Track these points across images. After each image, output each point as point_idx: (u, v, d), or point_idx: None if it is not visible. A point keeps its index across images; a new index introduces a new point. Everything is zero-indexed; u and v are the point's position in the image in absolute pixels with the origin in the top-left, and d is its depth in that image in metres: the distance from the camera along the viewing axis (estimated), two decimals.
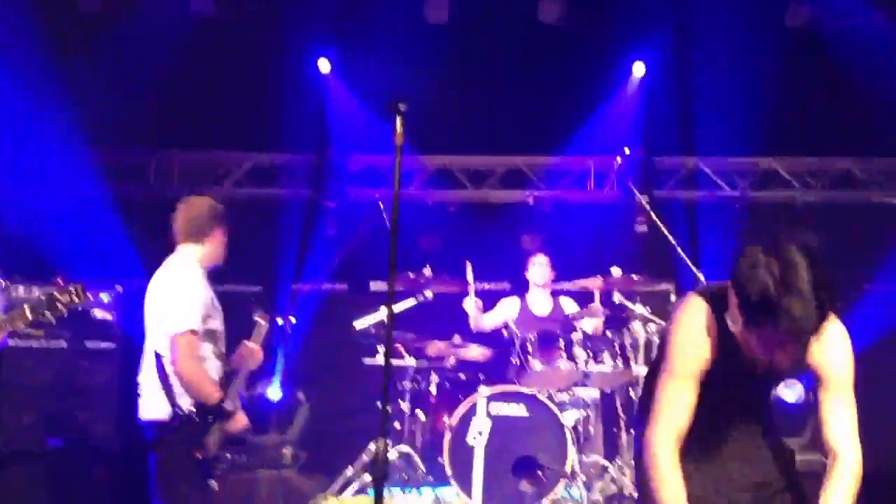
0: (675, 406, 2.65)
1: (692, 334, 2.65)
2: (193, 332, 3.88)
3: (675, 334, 2.71)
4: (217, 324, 4.09)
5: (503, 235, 7.76)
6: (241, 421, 4.06)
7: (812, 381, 2.76)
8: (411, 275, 6.01)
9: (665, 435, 2.63)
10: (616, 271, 6.02)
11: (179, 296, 3.94)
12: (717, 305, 2.63)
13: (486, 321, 6.48)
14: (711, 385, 2.66)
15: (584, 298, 6.56)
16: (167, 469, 3.93)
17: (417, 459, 6.00)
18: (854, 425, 2.69)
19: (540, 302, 6.60)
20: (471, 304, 6.35)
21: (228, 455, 4.10)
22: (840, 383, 2.68)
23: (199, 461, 3.90)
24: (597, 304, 6.20)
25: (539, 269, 6.59)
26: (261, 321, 4.33)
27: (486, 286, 7.82)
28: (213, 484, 3.95)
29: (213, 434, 3.91)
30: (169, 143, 7.76)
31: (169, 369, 3.88)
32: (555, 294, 6.65)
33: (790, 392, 6.11)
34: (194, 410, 3.88)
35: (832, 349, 2.67)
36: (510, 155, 7.90)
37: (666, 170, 7.81)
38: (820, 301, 2.36)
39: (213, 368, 4.03)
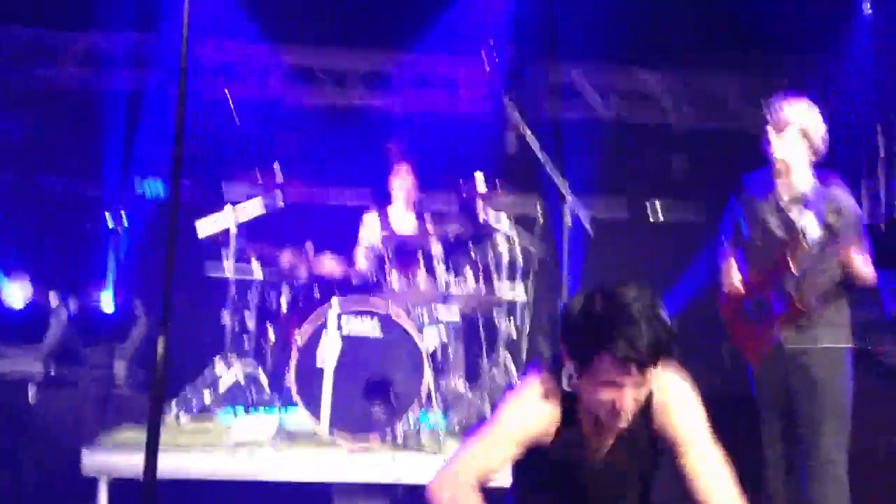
0: (480, 453, 2.50)
1: (527, 400, 2.54)
2: None
3: (509, 399, 2.58)
4: None
5: (365, 142, 7.30)
6: None
7: None
8: (259, 175, 5.51)
9: (464, 468, 2.48)
10: (480, 177, 5.67)
11: None
12: (565, 394, 2.52)
13: (360, 262, 6.04)
14: (552, 466, 2.50)
15: (446, 213, 6.24)
16: None
17: (263, 379, 5.63)
18: (726, 475, 2.47)
19: (402, 217, 6.21)
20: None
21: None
22: (696, 443, 2.49)
23: None
24: (457, 221, 5.87)
25: (401, 180, 6.19)
26: None
27: (348, 203, 7.44)
28: None
29: None
30: None
31: None
32: (417, 208, 6.28)
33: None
34: None
35: (677, 411, 2.51)
36: (375, 52, 7.36)
37: (534, 80, 7.45)
38: (653, 330, 2.27)
39: None
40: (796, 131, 3.96)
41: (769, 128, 4.01)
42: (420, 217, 6.18)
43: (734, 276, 4.19)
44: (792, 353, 3.95)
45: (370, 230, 6.11)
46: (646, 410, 2.50)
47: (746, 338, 4.12)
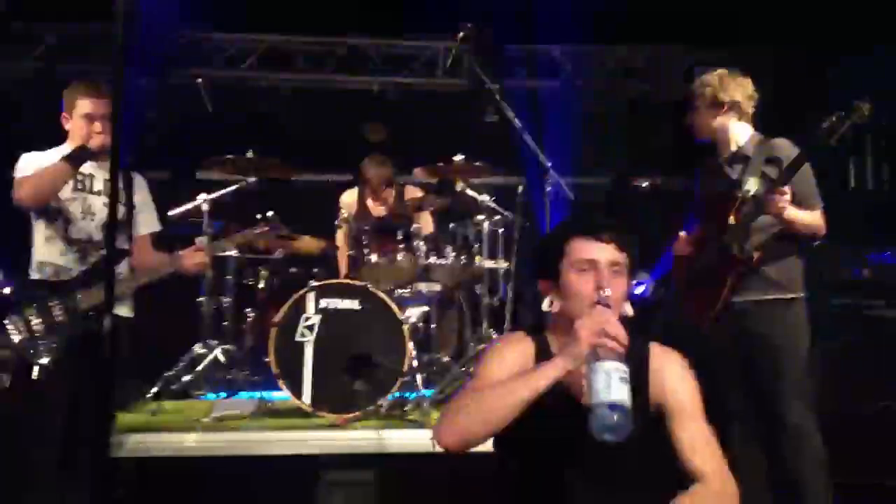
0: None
1: (502, 350, 2.54)
2: None
3: (484, 354, 2.56)
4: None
5: (343, 123, 7.25)
6: None
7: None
8: (231, 157, 5.43)
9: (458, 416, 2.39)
10: (459, 159, 5.63)
11: None
12: (534, 332, 2.56)
13: (339, 241, 5.95)
14: (535, 416, 2.34)
15: (425, 188, 6.20)
16: None
17: (243, 360, 5.56)
18: (715, 448, 2.46)
19: (379, 195, 6.13)
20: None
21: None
22: (685, 410, 2.47)
23: None
24: (436, 196, 5.82)
25: (374, 168, 6.09)
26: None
27: (327, 181, 7.39)
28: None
29: None
30: None
31: None
32: (398, 185, 6.22)
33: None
34: None
35: (668, 378, 2.49)
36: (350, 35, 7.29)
37: (512, 56, 7.41)
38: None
39: None
40: (707, 100, 4.03)
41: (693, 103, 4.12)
42: (399, 194, 6.12)
43: (681, 242, 4.16)
44: (740, 310, 3.87)
45: (348, 208, 6.04)
46: (642, 381, 2.47)
47: (696, 303, 4.02)
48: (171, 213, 5.34)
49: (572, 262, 2.41)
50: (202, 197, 5.43)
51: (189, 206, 5.44)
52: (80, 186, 3.84)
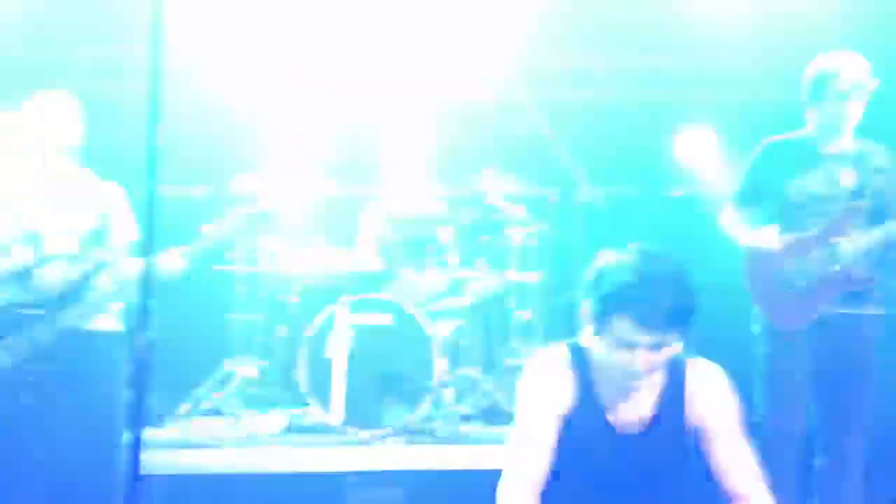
0: (525, 447, 2.42)
1: (542, 374, 2.49)
2: None
3: (524, 379, 2.51)
4: None
5: (367, 131, 7.23)
6: None
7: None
8: (264, 172, 5.45)
9: (518, 480, 2.39)
10: (490, 171, 5.58)
11: None
12: (575, 353, 2.49)
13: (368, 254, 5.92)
14: (574, 444, 2.41)
15: (456, 201, 6.15)
16: None
17: (275, 376, 5.55)
18: (755, 466, 2.44)
19: (411, 206, 6.10)
20: None
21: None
22: (724, 429, 2.44)
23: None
24: (468, 208, 5.78)
25: (408, 170, 6.08)
26: None
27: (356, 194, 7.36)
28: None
29: None
30: None
31: None
32: (423, 196, 6.18)
33: None
34: None
35: (708, 397, 2.45)
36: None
37: (548, 69, 7.33)
38: (676, 295, 2.24)
39: None
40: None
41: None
42: (430, 205, 6.09)
43: (766, 241, 3.97)
44: (837, 321, 3.76)
45: (377, 221, 6.01)
46: (678, 397, 2.45)
47: (782, 304, 3.88)
48: (204, 227, 5.34)
49: (613, 337, 2.32)
50: (233, 212, 5.42)
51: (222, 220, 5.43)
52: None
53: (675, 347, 2.36)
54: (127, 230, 3.97)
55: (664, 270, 2.29)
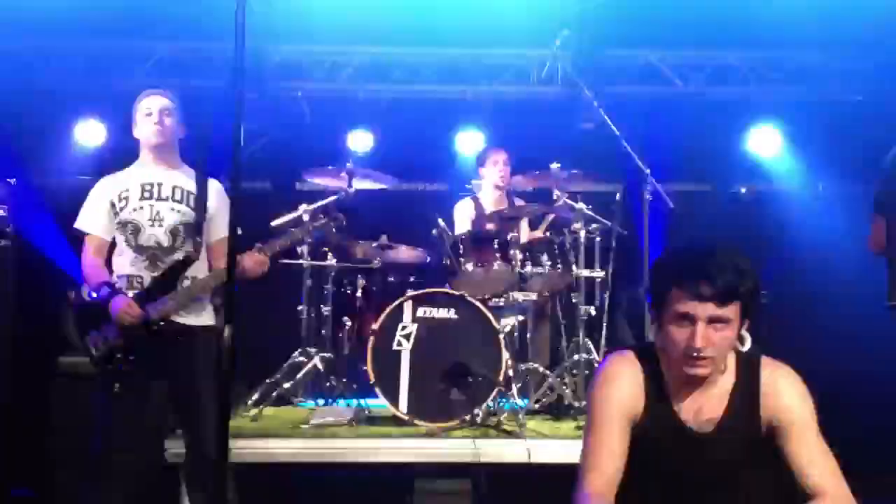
0: (601, 453, 2.41)
1: (614, 380, 2.50)
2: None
3: (595, 386, 2.53)
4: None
5: (438, 133, 7.28)
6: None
7: None
8: (330, 168, 5.53)
9: (594, 486, 2.37)
10: (556, 167, 5.58)
11: None
12: (644, 356, 2.52)
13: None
14: (646, 447, 2.43)
15: (527, 198, 6.18)
16: None
17: (341, 368, 5.62)
18: (833, 464, 2.41)
19: (494, 202, 6.14)
20: None
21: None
22: (801, 428, 2.41)
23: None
24: (536, 204, 5.79)
25: (495, 168, 6.12)
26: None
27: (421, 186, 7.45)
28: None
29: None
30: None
31: None
32: (508, 194, 6.22)
33: None
34: None
35: (783, 395, 2.44)
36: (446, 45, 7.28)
37: (613, 64, 7.29)
38: (733, 268, 2.28)
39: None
40: None
41: None
42: (510, 201, 6.13)
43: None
44: None
45: (465, 217, 6.06)
46: (753, 399, 2.44)
47: None
48: (272, 223, 5.43)
49: (671, 313, 2.36)
50: (303, 207, 5.51)
51: (290, 216, 5.52)
52: (146, 195, 3.92)
53: (737, 329, 2.36)
54: (224, 226, 4.00)
55: (717, 248, 2.36)
